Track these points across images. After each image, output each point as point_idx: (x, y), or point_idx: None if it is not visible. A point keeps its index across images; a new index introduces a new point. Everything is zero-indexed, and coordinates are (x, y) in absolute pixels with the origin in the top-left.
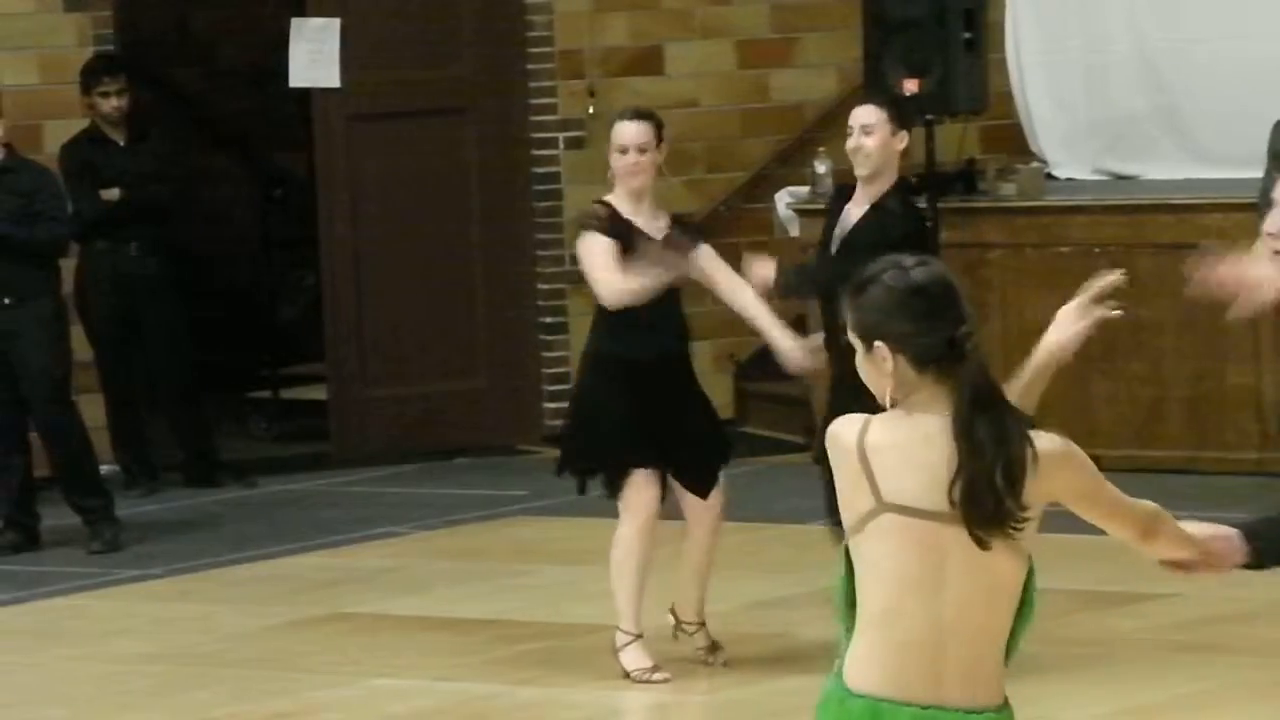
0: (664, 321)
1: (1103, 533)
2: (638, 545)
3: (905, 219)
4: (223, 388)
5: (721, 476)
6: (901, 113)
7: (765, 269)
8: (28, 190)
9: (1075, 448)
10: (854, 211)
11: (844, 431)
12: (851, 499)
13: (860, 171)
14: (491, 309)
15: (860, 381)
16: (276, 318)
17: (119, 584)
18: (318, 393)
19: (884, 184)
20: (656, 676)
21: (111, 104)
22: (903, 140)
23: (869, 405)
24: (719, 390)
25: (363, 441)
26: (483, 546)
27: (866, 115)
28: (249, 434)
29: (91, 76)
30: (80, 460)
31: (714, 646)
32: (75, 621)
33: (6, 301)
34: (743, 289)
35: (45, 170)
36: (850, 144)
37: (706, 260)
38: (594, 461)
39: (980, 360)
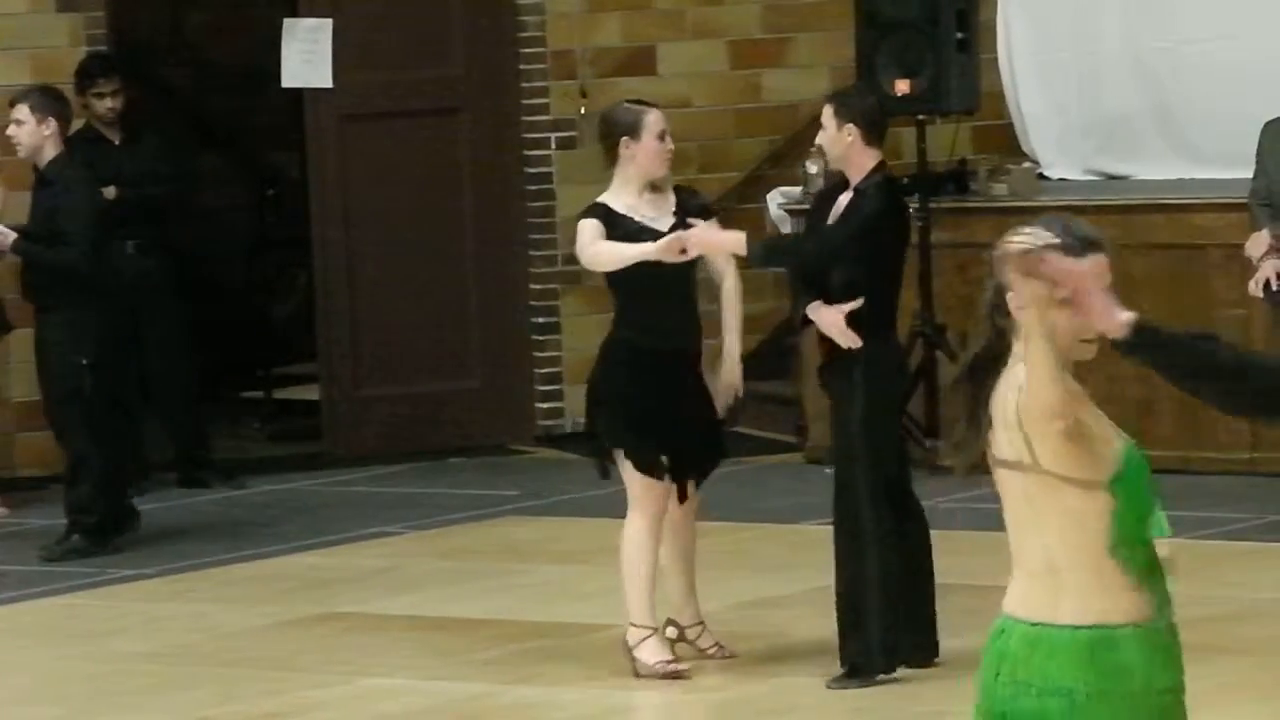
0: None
1: None
2: (650, 541)
3: (875, 199)
4: (216, 387)
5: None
6: (847, 106)
7: (732, 236)
8: (53, 206)
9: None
10: (843, 199)
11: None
12: None
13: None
14: (484, 309)
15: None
16: (269, 317)
17: (113, 583)
18: (311, 392)
19: (856, 174)
20: (682, 666)
21: (106, 104)
22: (850, 133)
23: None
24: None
25: (356, 441)
26: (475, 546)
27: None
28: (242, 434)
29: (86, 77)
30: (78, 470)
31: (720, 644)
32: (69, 621)
33: (38, 310)
34: (729, 278)
35: (77, 186)
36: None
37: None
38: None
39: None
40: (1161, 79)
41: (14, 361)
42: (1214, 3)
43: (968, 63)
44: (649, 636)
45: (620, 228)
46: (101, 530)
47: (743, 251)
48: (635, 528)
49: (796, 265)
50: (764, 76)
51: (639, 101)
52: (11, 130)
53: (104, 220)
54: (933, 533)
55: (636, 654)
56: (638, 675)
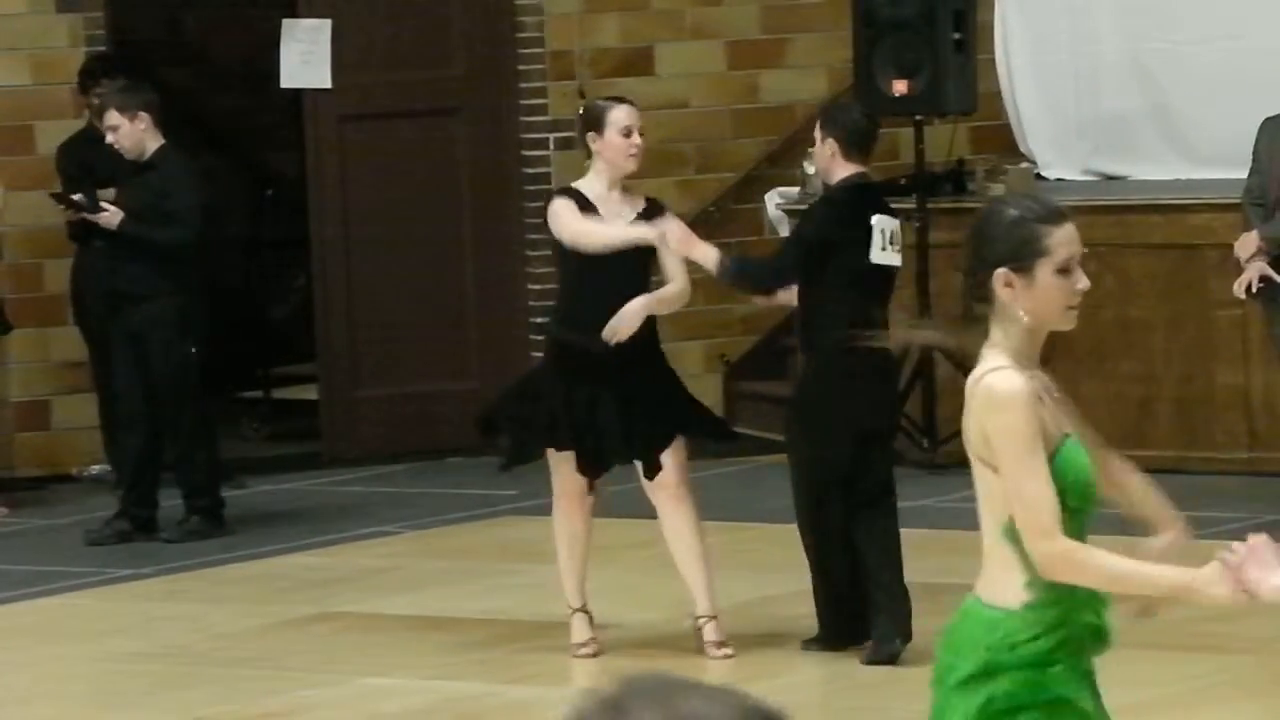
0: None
1: (1090, 532)
2: (559, 526)
3: (815, 216)
4: (214, 387)
5: (671, 454)
6: (832, 121)
7: (707, 251)
8: (161, 189)
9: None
10: None
11: None
12: None
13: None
14: (482, 309)
15: None
16: (268, 318)
17: (111, 583)
18: (309, 393)
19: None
20: (583, 651)
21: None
22: (830, 147)
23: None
24: (708, 390)
25: (354, 441)
26: (474, 546)
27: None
28: (241, 434)
29: (89, 77)
30: (191, 455)
31: (721, 643)
32: (67, 620)
33: (136, 299)
34: (679, 283)
35: (185, 170)
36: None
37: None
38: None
39: None
40: (1159, 79)
41: (13, 362)
42: (1211, 3)
43: (965, 63)
44: (572, 615)
45: (590, 216)
46: (216, 511)
47: (712, 267)
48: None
49: (759, 288)
50: (762, 77)
51: (616, 97)
52: (110, 138)
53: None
54: (931, 533)
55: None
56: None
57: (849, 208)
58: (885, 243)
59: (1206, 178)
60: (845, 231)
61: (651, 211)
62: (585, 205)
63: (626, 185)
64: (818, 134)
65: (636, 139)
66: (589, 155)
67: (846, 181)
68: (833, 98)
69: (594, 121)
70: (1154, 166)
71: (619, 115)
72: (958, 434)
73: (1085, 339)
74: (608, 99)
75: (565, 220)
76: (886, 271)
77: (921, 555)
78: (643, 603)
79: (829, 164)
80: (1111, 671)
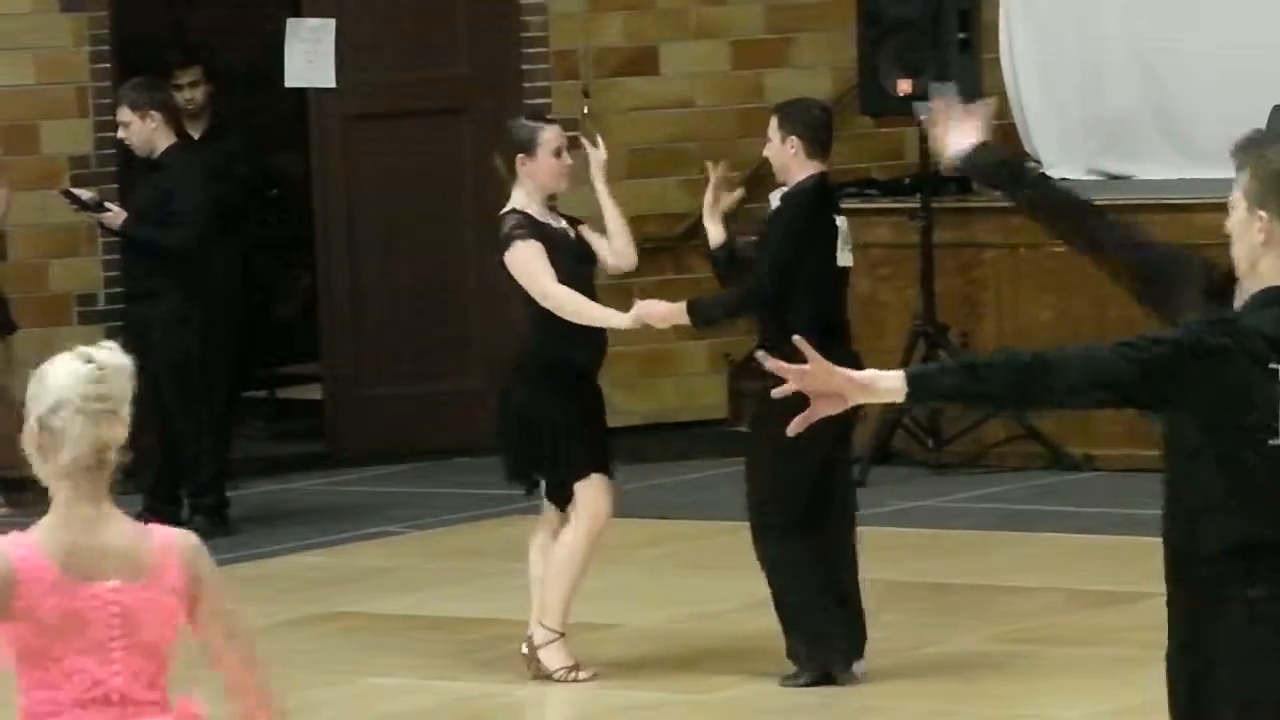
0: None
1: (1095, 532)
2: (590, 549)
3: (786, 218)
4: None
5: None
6: (791, 118)
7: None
8: (165, 190)
9: None
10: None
11: None
12: None
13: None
14: (486, 309)
15: None
16: (272, 317)
17: None
18: (313, 392)
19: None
20: (582, 675)
21: (185, 96)
22: (793, 145)
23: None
24: (713, 390)
25: (358, 441)
26: (478, 546)
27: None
28: (244, 434)
29: (163, 68)
30: (196, 455)
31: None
32: None
33: (140, 297)
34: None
35: (190, 171)
36: None
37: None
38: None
39: None
40: (1164, 78)
41: (18, 362)
42: (1217, 3)
43: (970, 63)
44: (556, 640)
45: (549, 238)
46: (220, 511)
47: (685, 320)
48: (583, 536)
49: (731, 318)
50: (766, 77)
51: (539, 117)
52: (121, 134)
53: (217, 211)
54: (932, 533)
55: (541, 655)
56: (536, 676)
57: (812, 211)
58: (846, 243)
59: (1211, 177)
60: (809, 238)
61: (573, 225)
62: (542, 234)
63: (550, 202)
64: (775, 132)
65: (567, 159)
66: (511, 177)
67: (806, 182)
68: (838, 97)
69: (524, 143)
70: (1159, 166)
71: (550, 136)
72: (962, 434)
73: (1088, 338)
74: (532, 119)
75: (535, 273)
76: (846, 272)
77: (925, 555)
78: (644, 603)
79: (789, 163)
80: (1117, 672)
